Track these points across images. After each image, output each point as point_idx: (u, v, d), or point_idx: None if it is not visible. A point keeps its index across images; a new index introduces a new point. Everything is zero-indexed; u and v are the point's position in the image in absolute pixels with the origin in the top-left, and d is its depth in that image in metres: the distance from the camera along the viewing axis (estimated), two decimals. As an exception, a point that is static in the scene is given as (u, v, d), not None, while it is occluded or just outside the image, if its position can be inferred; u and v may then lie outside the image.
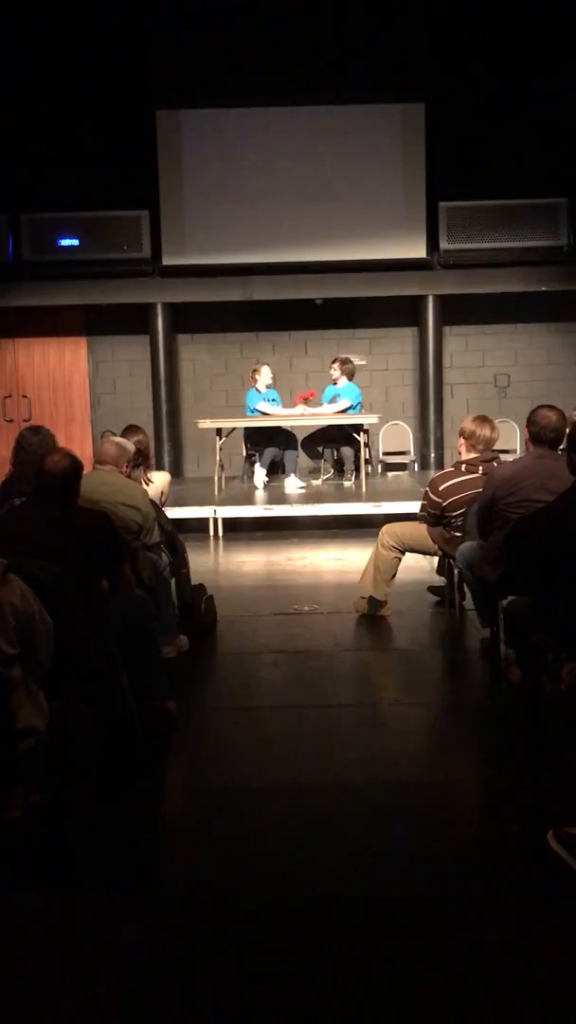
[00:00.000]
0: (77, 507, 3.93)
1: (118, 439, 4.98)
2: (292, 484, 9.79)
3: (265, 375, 9.96)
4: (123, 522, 4.36)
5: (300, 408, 9.74)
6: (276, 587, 6.93)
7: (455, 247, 10.94)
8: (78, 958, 2.37)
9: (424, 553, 5.80)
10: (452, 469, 5.40)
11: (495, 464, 5.17)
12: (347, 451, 10.15)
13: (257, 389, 9.93)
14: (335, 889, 2.86)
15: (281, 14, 10.59)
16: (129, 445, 4.92)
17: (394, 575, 5.74)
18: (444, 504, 5.25)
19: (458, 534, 5.17)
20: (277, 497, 9.36)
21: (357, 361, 11.20)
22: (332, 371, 10.12)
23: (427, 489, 5.44)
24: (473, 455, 5.30)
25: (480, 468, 5.16)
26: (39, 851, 2.89)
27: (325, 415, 9.79)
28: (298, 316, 11.59)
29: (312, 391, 10.22)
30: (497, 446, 5.46)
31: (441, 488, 5.27)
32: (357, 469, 9.84)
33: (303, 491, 9.61)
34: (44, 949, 2.40)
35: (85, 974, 2.30)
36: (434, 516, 5.36)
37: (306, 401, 9.80)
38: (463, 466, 5.29)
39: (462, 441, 5.37)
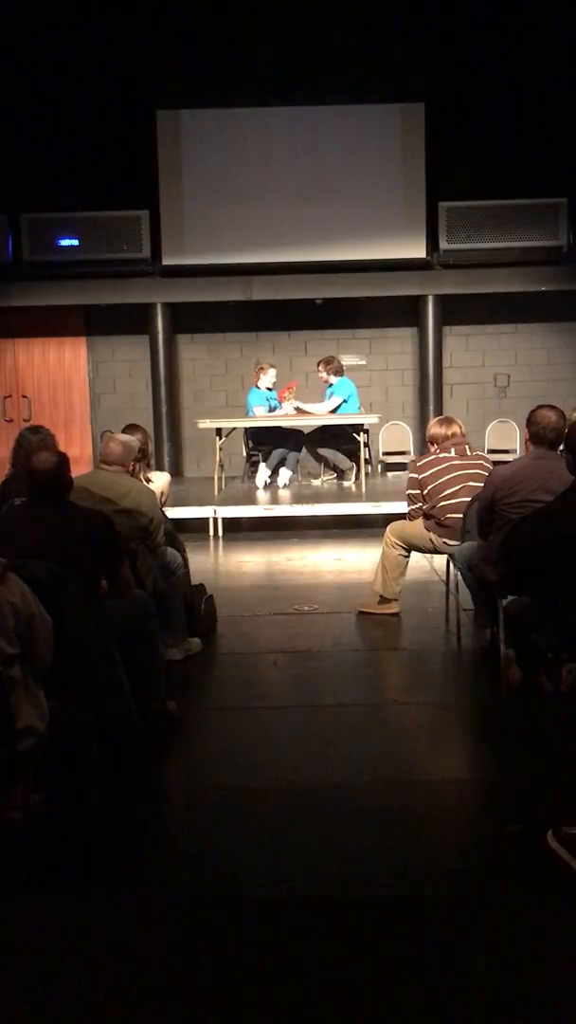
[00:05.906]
0: (76, 507, 3.92)
1: (122, 436, 4.88)
2: (284, 477, 9.92)
3: (269, 377, 9.95)
4: (127, 526, 4.33)
5: (295, 406, 9.71)
6: (276, 587, 6.93)
7: (455, 247, 10.95)
8: (78, 958, 2.37)
9: (423, 551, 5.80)
10: (426, 453, 5.80)
11: (467, 448, 5.52)
12: (347, 451, 10.15)
13: (257, 386, 9.93)
14: (335, 889, 2.86)
15: (281, 14, 10.60)
16: (133, 441, 4.84)
17: (402, 572, 5.80)
18: (420, 479, 5.49)
19: (446, 526, 5.34)
20: (277, 497, 9.38)
21: (356, 361, 11.19)
22: (320, 374, 10.09)
23: (409, 476, 5.76)
24: None
25: (452, 450, 5.49)
26: (39, 851, 2.89)
27: (321, 415, 9.79)
28: (298, 316, 11.59)
29: (295, 381, 10.20)
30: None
31: (419, 465, 5.63)
32: (357, 469, 9.84)
33: (289, 484, 9.83)
34: (44, 949, 2.40)
35: (85, 974, 2.30)
36: (419, 504, 5.57)
37: (290, 392, 9.77)
38: (436, 451, 5.65)
39: (434, 447, 5.68)
